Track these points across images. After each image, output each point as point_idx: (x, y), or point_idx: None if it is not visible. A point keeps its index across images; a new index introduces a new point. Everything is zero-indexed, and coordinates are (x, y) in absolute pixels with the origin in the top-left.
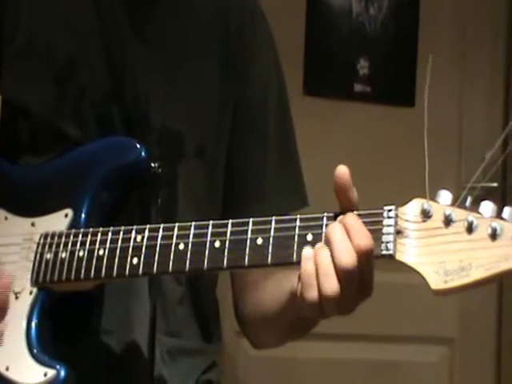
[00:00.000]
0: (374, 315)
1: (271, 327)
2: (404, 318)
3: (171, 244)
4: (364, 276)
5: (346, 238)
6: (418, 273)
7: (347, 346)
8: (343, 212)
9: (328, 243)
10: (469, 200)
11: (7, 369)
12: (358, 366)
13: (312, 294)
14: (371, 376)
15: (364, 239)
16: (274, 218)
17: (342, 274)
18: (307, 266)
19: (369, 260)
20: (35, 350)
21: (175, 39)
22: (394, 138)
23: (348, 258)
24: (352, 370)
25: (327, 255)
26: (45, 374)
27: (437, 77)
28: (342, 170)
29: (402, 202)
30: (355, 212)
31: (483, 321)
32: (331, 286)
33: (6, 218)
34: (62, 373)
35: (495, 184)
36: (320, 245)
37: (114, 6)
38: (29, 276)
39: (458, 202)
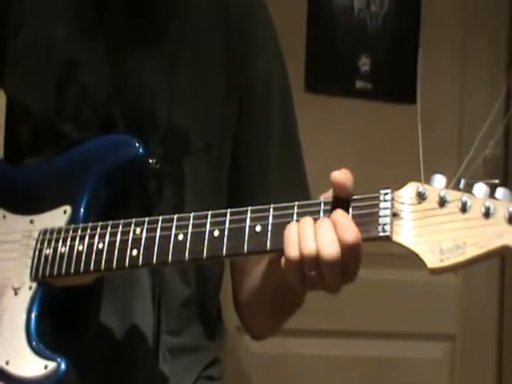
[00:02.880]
0: (375, 312)
1: (259, 299)
2: (405, 314)
3: (170, 235)
4: (349, 266)
5: (331, 229)
6: (414, 253)
7: (348, 343)
8: (338, 197)
9: (315, 234)
10: (463, 182)
11: (7, 363)
12: (358, 363)
13: (293, 251)
14: (372, 373)
15: (352, 234)
16: (272, 205)
17: (323, 263)
18: (291, 227)
19: (355, 253)
20: (35, 343)
21: (176, 35)
22: (395, 134)
23: (331, 250)
24: (353, 366)
25: (310, 227)
26: (45, 367)
27: (438, 73)
28: (338, 176)
29: None
30: (351, 196)
31: (484, 317)
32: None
33: (4, 217)
34: (63, 365)
35: (497, 181)
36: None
37: (114, 4)
38: (28, 272)
39: (452, 183)
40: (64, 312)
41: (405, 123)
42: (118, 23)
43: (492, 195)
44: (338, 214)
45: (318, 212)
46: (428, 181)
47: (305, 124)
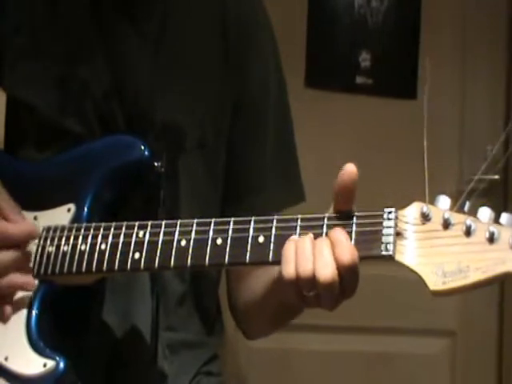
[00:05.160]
0: (376, 308)
1: (259, 311)
2: (405, 310)
3: (173, 240)
4: (347, 286)
5: (328, 250)
6: (417, 274)
7: (348, 339)
8: (339, 211)
9: (313, 254)
10: (467, 205)
11: (6, 359)
12: (358, 358)
13: (290, 270)
14: (372, 369)
15: (347, 254)
16: (275, 217)
17: (319, 285)
18: (290, 245)
19: (352, 273)
20: (35, 341)
21: (174, 35)
22: (395, 130)
23: (327, 272)
24: (353, 362)
25: (309, 246)
26: (44, 365)
27: (438, 70)
28: (352, 169)
29: (403, 194)
30: (355, 213)
31: (484, 313)
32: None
33: None
34: (61, 364)
35: (497, 176)
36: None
37: (113, 3)
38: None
39: (457, 205)
40: (65, 311)
41: (405, 118)
42: (115, 21)
43: (496, 220)
44: (337, 232)
45: (321, 226)
46: (429, 180)
47: (305, 119)
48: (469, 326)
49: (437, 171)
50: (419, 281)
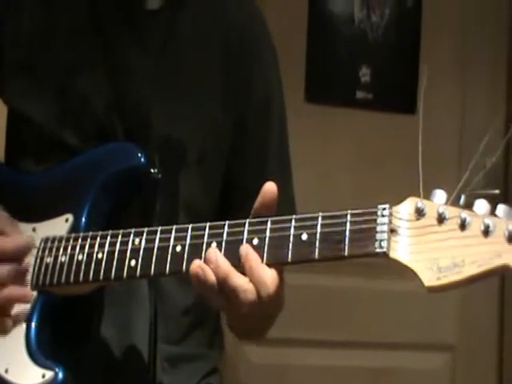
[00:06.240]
0: (376, 322)
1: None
2: (405, 324)
3: (168, 246)
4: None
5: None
6: (411, 270)
7: (348, 354)
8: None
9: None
10: (463, 198)
11: (6, 371)
12: (359, 374)
13: None
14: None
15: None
16: (269, 218)
17: None
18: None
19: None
20: (34, 352)
21: (177, 47)
22: (395, 144)
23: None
24: (353, 377)
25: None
26: (43, 376)
27: (438, 84)
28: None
29: None
30: (349, 211)
31: (484, 327)
32: None
33: None
34: (60, 375)
35: (497, 191)
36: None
37: (114, 15)
38: (29, 280)
39: (451, 199)
40: (65, 322)
41: (404, 133)
42: (115, 31)
43: (492, 212)
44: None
45: (316, 226)
46: (428, 191)
47: (305, 134)
48: (468, 340)
49: (435, 184)
50: (417, 295)
